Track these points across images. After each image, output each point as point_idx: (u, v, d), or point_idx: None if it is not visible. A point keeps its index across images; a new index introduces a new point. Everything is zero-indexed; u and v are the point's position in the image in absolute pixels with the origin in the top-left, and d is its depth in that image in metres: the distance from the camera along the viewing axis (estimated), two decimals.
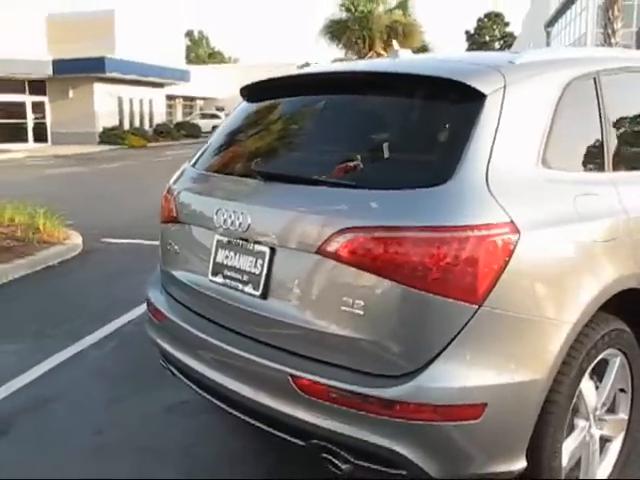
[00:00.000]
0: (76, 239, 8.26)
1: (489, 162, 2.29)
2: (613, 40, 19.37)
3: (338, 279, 2.33)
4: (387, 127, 2.69)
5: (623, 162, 2.94)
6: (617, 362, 2.77)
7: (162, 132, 35.14)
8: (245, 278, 2.64)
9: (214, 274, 2.80)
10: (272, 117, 3.23)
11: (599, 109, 2.85)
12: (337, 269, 2.31)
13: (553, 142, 2.53)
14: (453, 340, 2.18)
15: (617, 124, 2.91)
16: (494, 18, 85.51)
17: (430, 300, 2.17)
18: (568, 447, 2.60)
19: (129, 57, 31.52)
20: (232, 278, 2.70)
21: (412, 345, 2.22)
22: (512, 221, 2.22)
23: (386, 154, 2.49)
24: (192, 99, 42.43)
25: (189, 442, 3.44)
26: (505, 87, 2.46)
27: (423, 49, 29.78)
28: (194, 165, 3.24)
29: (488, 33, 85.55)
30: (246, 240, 2.64)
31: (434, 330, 2.20)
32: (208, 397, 2.87)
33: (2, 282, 6.57)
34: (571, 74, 2.75)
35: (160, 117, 38.78)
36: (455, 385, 2.19)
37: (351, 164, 2.47)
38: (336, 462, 2.36)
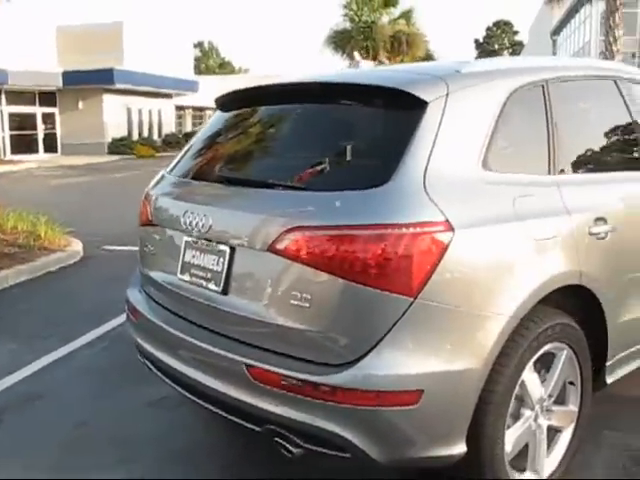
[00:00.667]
0: (76, 246, 8.48)
1: (427, 165, 2.46)
2: (615, 48, 19.47)
3: (287, 275, 2.51)
4: (339, 134, 2.86)
5: (568, 165, 3.10)
6: (563, 355, 2.91)
7: (171, 142, 35.46)
8: (208, 276, 2.82)
9: (182, 272, 2.98)
10: (239, 125, 3.43)
11: (546, 115, 3.01)
12: (286, 266, 2.49)
13: (495, 146, 2.70)
14: (390, 330, 2.35)
15: (564, 129, 3.06)
16: (503, 26, 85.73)
17: (369, 293, 2.34)
18: (512, 435, 2.74)
19: (138, 68, 31.91)
20: (197, 276, 2.89)
21: (353, 335, 2.39)
22: (447, 220, 2.39)
23: (336, 159, 2.67)
24: (201, 109, 42.77)
25: (165, 433, 3.63)
26: (448, 95, 2.64)
27: (428, 58, 29.97)
28: (170, 171, 3.43)
29: (497, 41, 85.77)
30: (210, 240, 2.82)
31: (373, 321, 2.37)
32: (178, 389, 3.05)
33: (3, 287, 6.79)
34: (517, 82, 2.92)
35: (169, 127, 39.15)
36: (393, 372, 2.35)
37: (305, 169, 2.65)
38: (288, 446, 2.52)
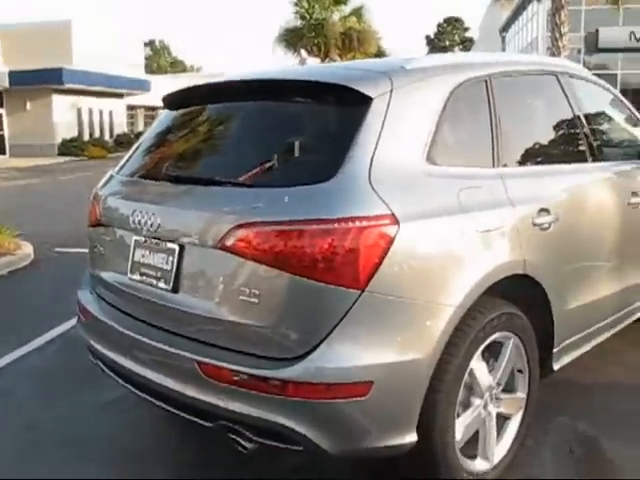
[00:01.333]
0: (27, 249, 8.32)
1: (372, 159, 2.50)
2: (560, 44, 19.94)
3: (236, 271, 2.52)
4: (285, 131, 2.87)
5: (512, 158, 3.18)
6: (510, 344, 2.99)
7: (123, 142, 34.95)
8: (158, 274, 2.81)
9: (132, 272, 2.97)
10: (187, 124, 3.42)
11: (490, 109, 3.08)
12: (235, 262, 2.50)
13: (439, 140, 2.76)
14: (339, 323, 2.38)
15: (507, 123, 3.13)
16: (454, 23, 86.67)
17: (317, 287, 2.37)
18: (462, 423, 2.80)
19: (87, 68, 31.39)
20: (147, 275, 2.88)
21: (302, 329, 2.42)
22: (392, 213, 2.42)
23: (283, 155, 2.69)
24: (153, 109, 42.25)
25: (117, 434, 3.61)
26: (392, 91, 2.68)
27: (380, 54, 30.17)
28: (119, 171, 3.40)
29: (448, 38, 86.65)
30: (159, 239, 2.81)
31: (321, 315, 2.40)
32: (131, 389, 3.03)
33: None
34: (461, 77, 2.98)
35: (121, 127, 38.62)
36: (342, 365, 2.39)
37: (252, 166, 2.67)
38: (241, 441, 2.54)
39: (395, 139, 2.60)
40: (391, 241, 2.41)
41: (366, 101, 2.62)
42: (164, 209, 2.81)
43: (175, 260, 2.74)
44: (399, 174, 2.57)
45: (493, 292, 2.78)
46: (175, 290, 2.75)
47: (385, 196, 2.44)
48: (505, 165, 3.08)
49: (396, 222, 2.42)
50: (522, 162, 3.29)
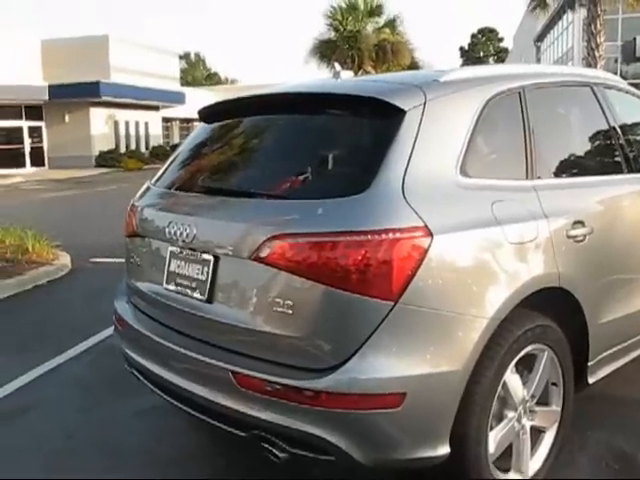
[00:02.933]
0: (64, 259, 8.48)
1: (406, 172, 2.51)
2: (596, 53, 19.76)
3: (270, 283, 2.55)
4: (320, 143, 2.90)
5: (546, 170, 3.16)
6: (545, 357, 2.97)
7: (158, 154, 35.42)
8: (193, 285, 2.86)
9: (168, 282, 3.02)
10: (222, 136, 3.48)
11: (523, 121, 3.08)
12: (269, 273, 2.53)
13: (473, 152, 2.76)
14: (372, 334, 2.39)
15: (541, 135, 3.13)
16: (488, 34, 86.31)
17: (349, 298, 2.39)
18: (495, 436, 2.79)
19: (124, 81, 31.93)
20: (183, 285, 2.92)
21: (336, 340, 2.44)
22: (425, 225, 2.44)
23: (317, 168, 2.72)
24: (189, 121, 42.79)
25: (152, 442, 3.66)
26: (425, 103, 2.70)
27: (413, 66, 30.15)
28: (155, 183, 3.46)
29: (482, 49, 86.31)
30: (194, 250, 2.86)
31: (355, 326, 2.42)
32: (166, 397, 3.08)
33: None
34: (494, 90, 2.99)
35: (156, 139, 39.16)
36: (375, 376, 2.40)
37: (287, 178, 2.71)
38: (274, 451, 2.56)
39: (428, 151, 2.62)
40: (424, 253, 2.42)
41: (399, 114, 2.64)
42: (199, 220, 2.86)
43: (210, 271, 2.78)
44: (432, 186, 2.59)
45: (527, 304, 2.77)
46: (210, 300, 2.79)
47: (418, 208, 2.46)
48: (539, 177, 3.06)
49: (429, 234, 2.43)
50: (556, 174, 3.28)
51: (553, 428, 3.10)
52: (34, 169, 31.45)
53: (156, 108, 38.01)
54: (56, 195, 19.88)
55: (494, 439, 2.78)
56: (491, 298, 2.61)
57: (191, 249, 2.88)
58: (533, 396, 2.97)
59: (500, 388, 2.73)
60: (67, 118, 32.56)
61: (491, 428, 2.74)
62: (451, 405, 2.53)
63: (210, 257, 2.78)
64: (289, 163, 2.87)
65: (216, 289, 2.77)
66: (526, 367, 2.94)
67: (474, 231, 2.61)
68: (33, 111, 32.08)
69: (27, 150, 32.35)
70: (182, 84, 46.05)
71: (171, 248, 3.01)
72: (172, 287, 2.99)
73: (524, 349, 2.82)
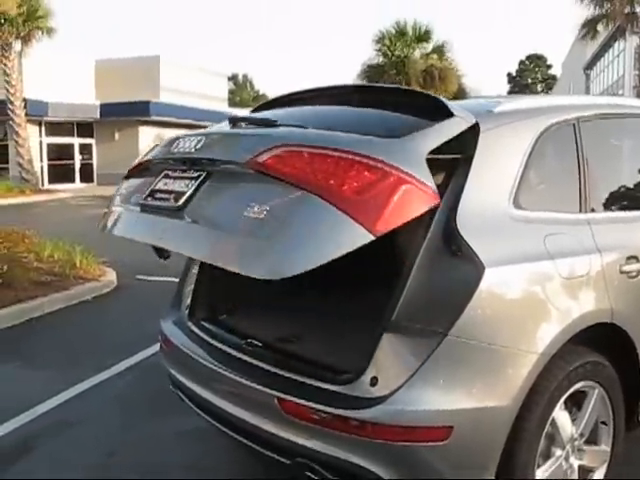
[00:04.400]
0: (110, 275, 8.62)
1: (459, 203, 2.50)
2: None
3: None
4: None
5: (599, 203, 3.12)
6: (595, 394, 2.90)
7: None
8: (172, 196, 2.84)
9: (147, 197, 3.02)
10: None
11: (577, 153, 3.04)
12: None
13: (526, 184, 2.74)
14: (422, 366, 2.36)
15: (595, 167, 3.08)
16: (536, 60, 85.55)
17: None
18: (543, 474, 2.73)
19: (173, 101, 32.48)
20: (161, 199, 2.92)
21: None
22: (477, 257, 2.41)
23: None
24: None
25: (193, 463, 3.67)
26: (479, 134, 2.68)
27: (461, 92, 30.01)
28: None
29: (530, 75, 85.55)
30: (187, 168, 2.89)
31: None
32: (210, 420, 3.08)
33: (38, 314, 6.90)
34: (548, 121, 2.95)
35: None
36: (422, 408, 2.37)
37: None
38: (315, 478, 2.54)
39: (481, 183, 2.60)
40: (475, 286, 2.40)
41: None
42: (209, 136, 2.94)
43: (195, 184, 2.74)
44: (485, 218, 2.56)
45: (578, 340, 2.72)
46: (182, 208, 2.72)
47: (470, 240, 2.43)
48: (592, 210, 3.02)
49: (482, 267, 2.41)
50: (610, 207, 3.23)
51: (602, 468, 3.02)
52: (83, 185, 32.12)
53: (203, 128, 38.56)
54: (103, 211, 20.20)
55: (541, 477, 2.72)
56: (542, 333, 2.56)
57: (183, 169, 2.88)
58: (582, 434, 2.90)
59: (548, 425, 2.68)
60: (117, 136, 33.21)
61: (538, 466, 2.68)
62: (498, 441, 2.48)
63: (201, 174, 2.75)
64: None
65: (194, 199, 2.69)
66: (575, 404, 2.87)
67: (526, 264, 2.58)
68: (84, 128, 32.85)
69: (77, 166, 33.07)
70: (230, 105, 46.66)
71: (166, 170, 3.00)
72: (150, 201, 2.94)
73: (574, 386, 2.76)
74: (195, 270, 3.50)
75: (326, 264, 2.17)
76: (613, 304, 2.88)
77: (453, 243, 2.43)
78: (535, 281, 2.61)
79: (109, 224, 3.16)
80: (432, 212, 2.44)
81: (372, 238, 2.21)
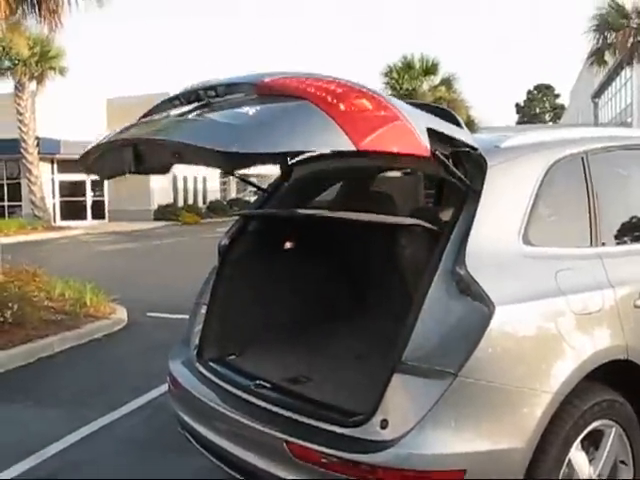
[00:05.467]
0: (121, 313, 8.60)
1: (467, 241, 2.47)
2: None
3: None
4: None
5: (611, 237, 3.08)
6: (612, 433, 2.83)
7: (215, 209, 36.07)
8: None
9: None
10: None
11: (587, 187, 3.01)
12: None
13: (535, 220, 2.71)
14: (432, 408, 2.32)
15: (605, 200, 3.05)
16: (544, 90, 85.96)
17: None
18: None
19: None
20: None
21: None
22: (487, 296, 2.37)
23: None
24: (246, 176, 43.54)
25: None
26: (486, 171, 2.66)
27: (469, 123, 30.15)
28: None
29: (538, 105, 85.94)
30: None
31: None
32: (218, 463, 3.03)
33: (49, 353, 6.89)
34: (557, 155, 2.93)
35: (214, 194, 39.86)
36: (434, 452, 2.31)
37: None
38: None
39: (490, 219, 2.57)
40: (485, 325, 2.35)
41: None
42: None
43: None
44: (494, 256, 2.53)
45: (593, 377, 2.66)
46: None
47: (480, 278, 2.40)
48: (604, 244, 2.98)
49: (492, 305, 2.37)
50: (622, 241, 3.19)
51: None
52: (95, 221, 32.30)
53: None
54: (114, 248, 20.31)
55: None
56: (555, 372, 2.51)
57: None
58: (600, 475, 2.82)
59: (565, 467, 2.61)
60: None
61: None
62: None
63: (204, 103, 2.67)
64: None
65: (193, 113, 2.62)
66: (593, 444, 2.80)
67: (537, 302, 2.54)
68: None
69: (89, 203, 33.31)
70: None
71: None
72: None
73: (590, 425, 2.69)
74: (203, 310, 3.47)
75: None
76: (628, 340, 2.82)
77: (462, 282, 2.40)
78: (547, 319, 2.57)
79: None
80: (441, 251, 2.42)
81: (353, 149, 2.17)
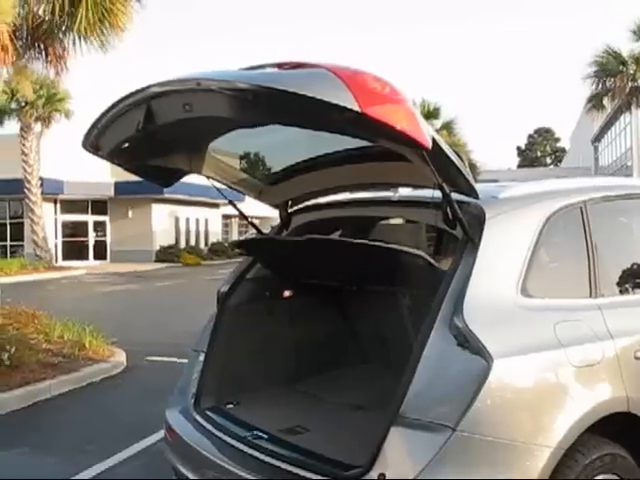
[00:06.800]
0: (120, 357, 8.53)
1: (464, 293, 2.46)
2: None
3: None
4: None
5: (610, 287, 3.07)
6: None
7: (217, 250, 36.09)
8: None
9: None
10: None
11: (586, 237, 3.01)
12: None
13: (534, 271, 2.70)
14: (429, 463, 2.28)
15: (604, 251, 3.05)
16: (544, 134, 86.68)
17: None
18: None
19: (186, 180, 32.92)
20: None
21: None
22: (484, 349, 2.36)
23: None
24: (247, 218, 43.62)
25: None
26: (484, 221, 2.67)
27: (471, 167, 30.35)
28: None
29: (539, 148, 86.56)
30: None
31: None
32: None
33: (46, 397, 6.81)
34: (555, 205, 2.94)
35: (216, 236, 39.92)
36: None
37: None
38: None
39: (488, 271, 2.57)
40: (483, 379, 2.33)
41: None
42: None
43: None
44: (492, 308, 2.53)
45: (594, 431, 2.63)
46: None
47: (478, 331, 2.39)
48: (603, 295, 2.97)
49: (489, 358, 2.35)
50: (622, 291, 3.18)
51: None
52: (97, 262, 32.35)
53: (216, 206, 38.94)
54: (115, 289, 20.30)
55: None
56: (555, 426, 2.48)
57: None
58: None
59: None
60: (130, 213, 33.60)
61: None
62: None
63: None
64: None
65: None
66: None
67: (536, 354, 2.53)
68: (99, 206, 33.34)
69: (91, 243, 33.44)
70: None
71: None
72: None
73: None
74: (201, 358, 3.45)
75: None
76: (629, 392, 2.79)
77: (460, 334, 2.38)
78: (546, 371, 2.55)
79: None
80: (439, 302, 2.41)
81: (357, 110, 2.15)
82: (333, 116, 2.19)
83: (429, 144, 2.26)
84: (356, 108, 2.13)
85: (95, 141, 3.01)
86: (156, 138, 2.85)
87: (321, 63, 2.28)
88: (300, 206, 3.54)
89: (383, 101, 2.20)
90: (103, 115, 2.84)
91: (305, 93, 2.11)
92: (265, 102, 2.23)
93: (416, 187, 3.19)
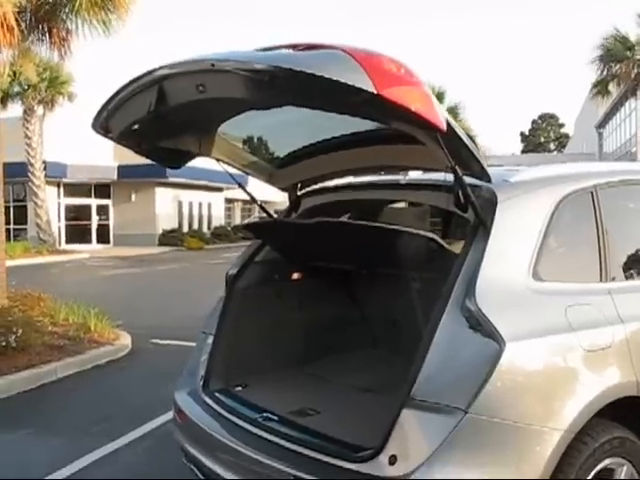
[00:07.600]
0: (125, 340, 8.55)
1: (477, 276, 2.45)
2: None
3: None
4: None
5: (621, 272, 3.06)
6: (624, 471, 2.78)
7: (220, 234, 36.12)
8: None
9: None
10: None
11: (597, 221, 3.00)
12: None
13: (545, 255, 2.69)
14: (441, 445, 2.29)
15: (615, 235, 3.04)
16: (548, 119, 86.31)
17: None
18: None
19: (190, 163, 32.88)
20: None
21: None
22: (497, 332, 2.35)
23: None
24: (250, 202, 43.64)
25: None
26: (496, 205, 2.66)
27: None
28: None
29: (543, 134, 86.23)
30: None
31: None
32: None
33: (52, 379, 6.85)
34: (566, 189, 2.93)
35: (218, 220, 39.92)
36: None
37: None
38: None
39: (499, 255, 2.57)
40: (495, 362, 2.33)
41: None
42: None
43: None
44: (504, 292, 2.52)
45: (604, 415, 2.63)
46: None
47: (490, 314, 2.38)
48: (614, 279, 2.96)
49: (501, 341, 2.35)
50: (632, 275, 3.16)
51: None
52: (100, 246, 32.39)
53: (220, 189, 38.93)
54: (119, 272, 20.33)
55: None
56: (565, 409, 2.48)
57: None
58: None
59: None
60: (133, 197, 33.59)
61: None
62: None
63: None
64: None
65: None
66: None
67: (547, 338, 2.52)
68: (102, 190, 33.32)
69: (94, 227, 33.45)
70: None
71: None
72: None
73: (601, 463, 2.65)
74: (210, 340, 3.45)
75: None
76: (639, 376, 2.79)
77: (472, 317, 2.38)
78: (557, 355, 2.55)
79: None
80: (451, 285, 2.41)
81: (373, 92, 2.13)
82: (349, 98, 2.17)
83: (444, 126, 2.25)
84: (372, 90, 2.11)
85: (105, 123, 2.99)
86: (167, 120, 2.83)
87: (335, 44, 2.26)
88: (309, 189, 3.52)
89: (399, 83, 2.18)
90: (113, 97, 2.82)
91: (323, 74, 2.09)
92: (282, 83, 2.21)
93: (426, 170, 3.18)
